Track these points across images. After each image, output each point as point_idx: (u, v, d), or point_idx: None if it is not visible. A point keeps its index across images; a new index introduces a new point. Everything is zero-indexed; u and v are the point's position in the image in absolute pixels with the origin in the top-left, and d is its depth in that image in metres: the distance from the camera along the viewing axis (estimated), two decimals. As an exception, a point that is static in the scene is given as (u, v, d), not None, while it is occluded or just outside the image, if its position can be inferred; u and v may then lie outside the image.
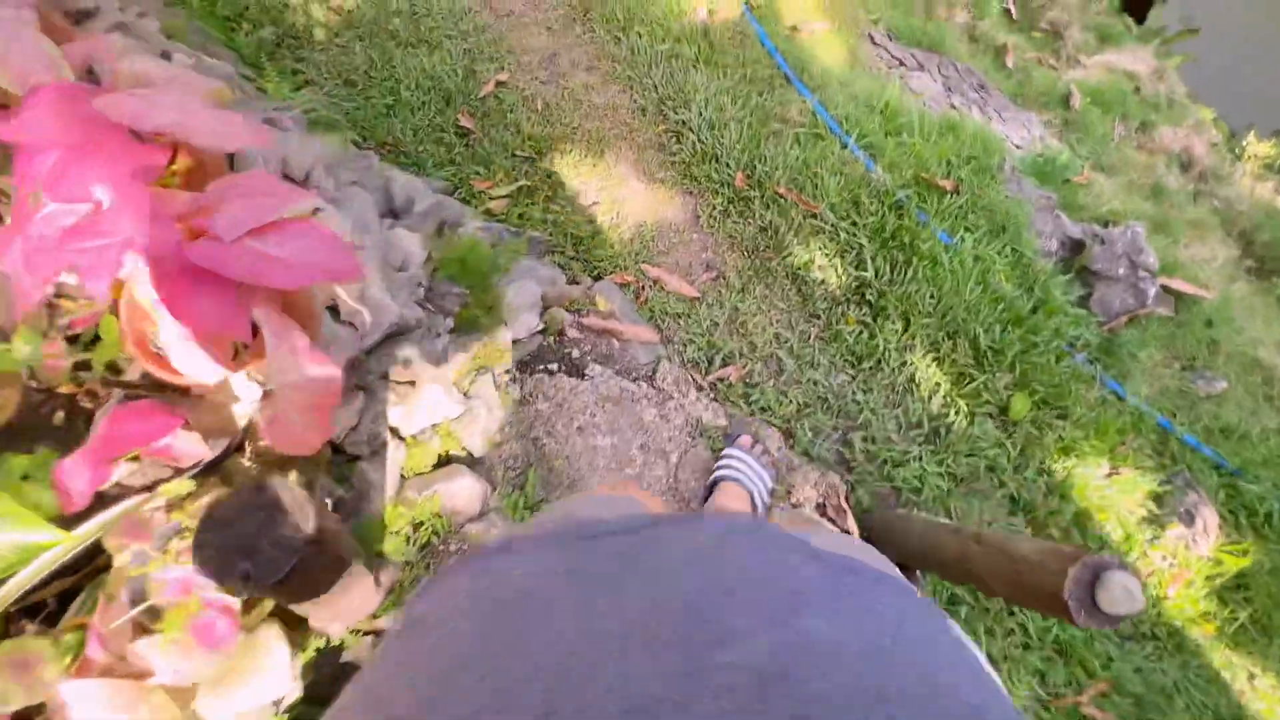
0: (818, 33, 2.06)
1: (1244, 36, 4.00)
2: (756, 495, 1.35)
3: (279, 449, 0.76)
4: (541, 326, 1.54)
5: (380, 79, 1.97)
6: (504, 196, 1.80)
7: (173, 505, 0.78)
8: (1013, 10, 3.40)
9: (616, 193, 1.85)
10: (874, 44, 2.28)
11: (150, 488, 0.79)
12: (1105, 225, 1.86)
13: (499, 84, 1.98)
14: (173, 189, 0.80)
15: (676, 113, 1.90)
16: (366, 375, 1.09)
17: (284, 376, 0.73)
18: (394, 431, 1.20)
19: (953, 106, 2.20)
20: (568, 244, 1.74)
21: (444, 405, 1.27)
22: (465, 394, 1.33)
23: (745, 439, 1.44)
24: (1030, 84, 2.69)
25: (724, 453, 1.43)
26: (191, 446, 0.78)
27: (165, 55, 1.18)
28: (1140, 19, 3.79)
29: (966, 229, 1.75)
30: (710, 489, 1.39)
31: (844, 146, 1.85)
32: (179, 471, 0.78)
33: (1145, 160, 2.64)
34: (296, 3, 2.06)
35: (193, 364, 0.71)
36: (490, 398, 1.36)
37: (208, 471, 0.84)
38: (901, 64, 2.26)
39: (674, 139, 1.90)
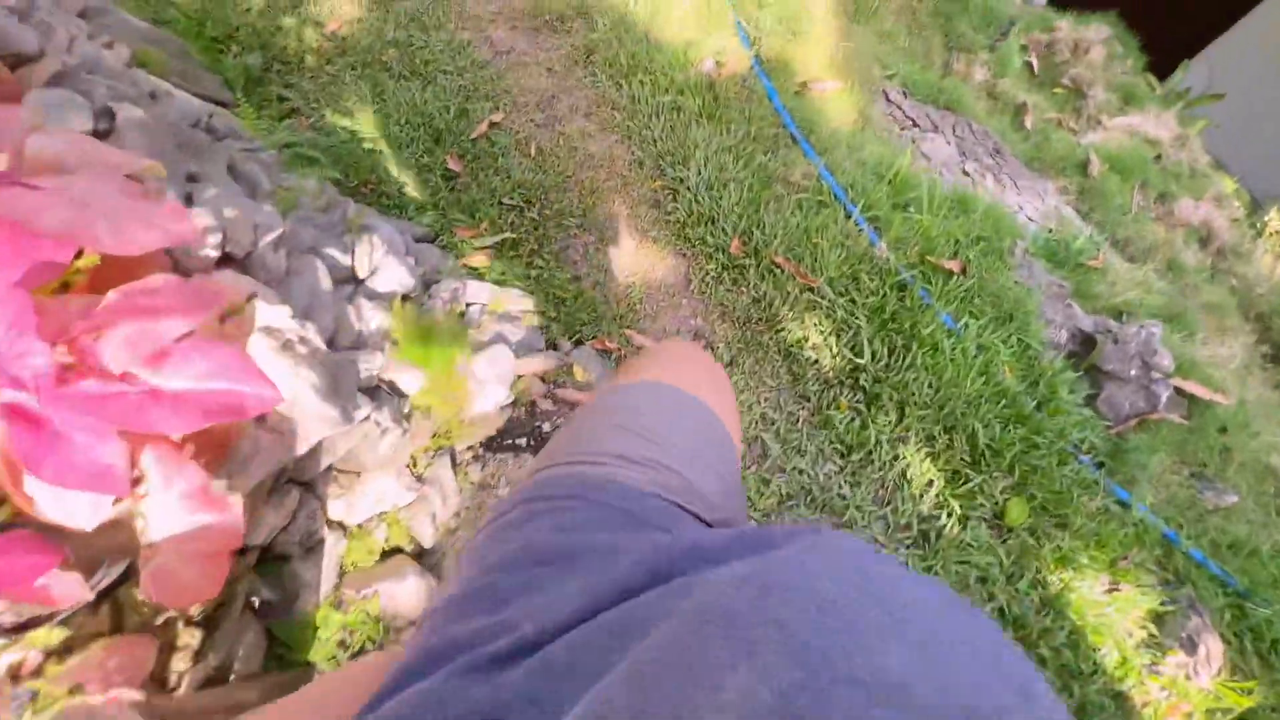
0: (829, 92, 1.97)
1: (1271, 101, 3.91)
2: None
3: (163, 604, 0.67)
4: (511, 399, 1.45)
5: (369, 112, 1.89)
6: (488, 247, 1.71)
7: (48, 653, 0.69)
8: (1034, 65, 3.31)
9: (606, 250, 1.76)
10: (888, 102, 2.19)
11: (20, 628, 0.69)
12: (1119, 316, 1.77)
13: (493, 125, 1.90)
14: (70, 294, 0.71)
15: (674, 169, 1.81)
16: (303, 470, 1.00)
17: (168, 526, 0.63)
18: (335, 524, 1.11)
19: (965, 173, 2.10)
20: (549, 304, 1.65)
21: (394, 493, 1.18)
22: (420, 477, 1.24)
23: None
24: (1048, 147, 2.60)
25: None
26: (70, 588, 0.69)
27: (111, 107, 1.09)
28: (1164, 78, 3.70)
29: (972, 314, 1.65)
30: None
31: (848, 216, 1.75)
32: (51, 617, 0.69)
33: (1163, 234, 2.54)
34: (289, 26, 1.99)
35: (64, 510, 0.62)
36: (447, 482, 1.27)
37: (97, 604, 0.75)
38: (915, 124, 2.17)
39: (670, 196, 1.81)
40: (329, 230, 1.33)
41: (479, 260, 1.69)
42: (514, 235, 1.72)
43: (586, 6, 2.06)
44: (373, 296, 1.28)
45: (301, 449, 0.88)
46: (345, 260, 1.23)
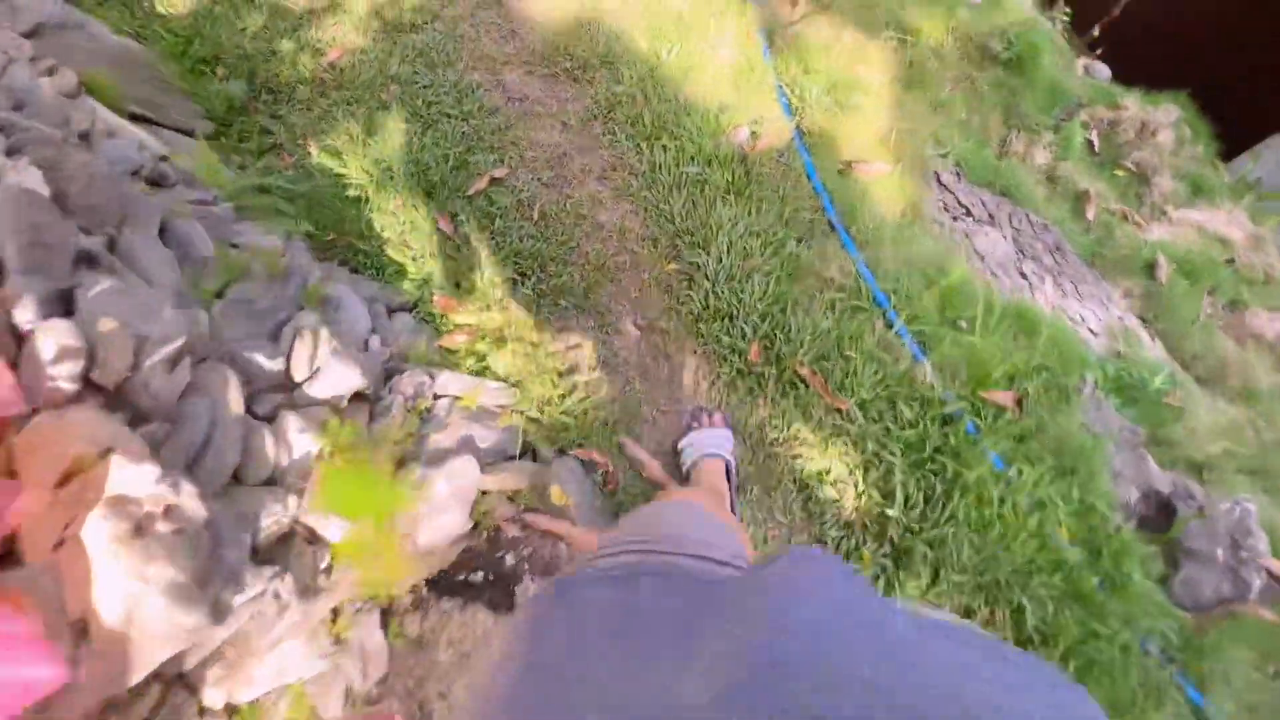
0: (875, 175, 1.74)
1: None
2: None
3: None
4: (470, 525, 1.21)
5: (357, 155, 1.69)
6: (469, 326, 1.49)
7: None
8: (1095, 143, 3.06)
9: (605, 338, 1.53)
10: (940, 186, 1.95)
11: None
12: (1200, 472, 1.50)
13: (494, 181, 1.69)
14: None
15: (693, 251, 1.58)
16: (163, 666, 0.77)
17: None
18: (214, 712, 0.87)
19: (1023, 275, 1.86)
20: (532, 401, 1.42)
21: (299, 664, 0.94)
22: (338, 639, 1.01)
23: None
24: (1111, 243, 2.34)
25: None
26: None
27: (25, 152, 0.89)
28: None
29: (1027, 461, 1.39)
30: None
31: (889, 326, 1.51)
32: None
33: (1234, 354, 2.27)
34: (285, 51, 1.80)
35: None
36: (372, 645, 1.03)
37: None
38: (969, 213, 1.93)
39: (685, 283, 1.58)
40: (271, 311, 1.11)
41: (457, 340, 1.46)
42: (501, 316, 1.50)
43: (613, 55, 1.86)
44: (309, 405, 1.06)
45: (136, 677, 0.65)
46: (276, 365, 1.01)
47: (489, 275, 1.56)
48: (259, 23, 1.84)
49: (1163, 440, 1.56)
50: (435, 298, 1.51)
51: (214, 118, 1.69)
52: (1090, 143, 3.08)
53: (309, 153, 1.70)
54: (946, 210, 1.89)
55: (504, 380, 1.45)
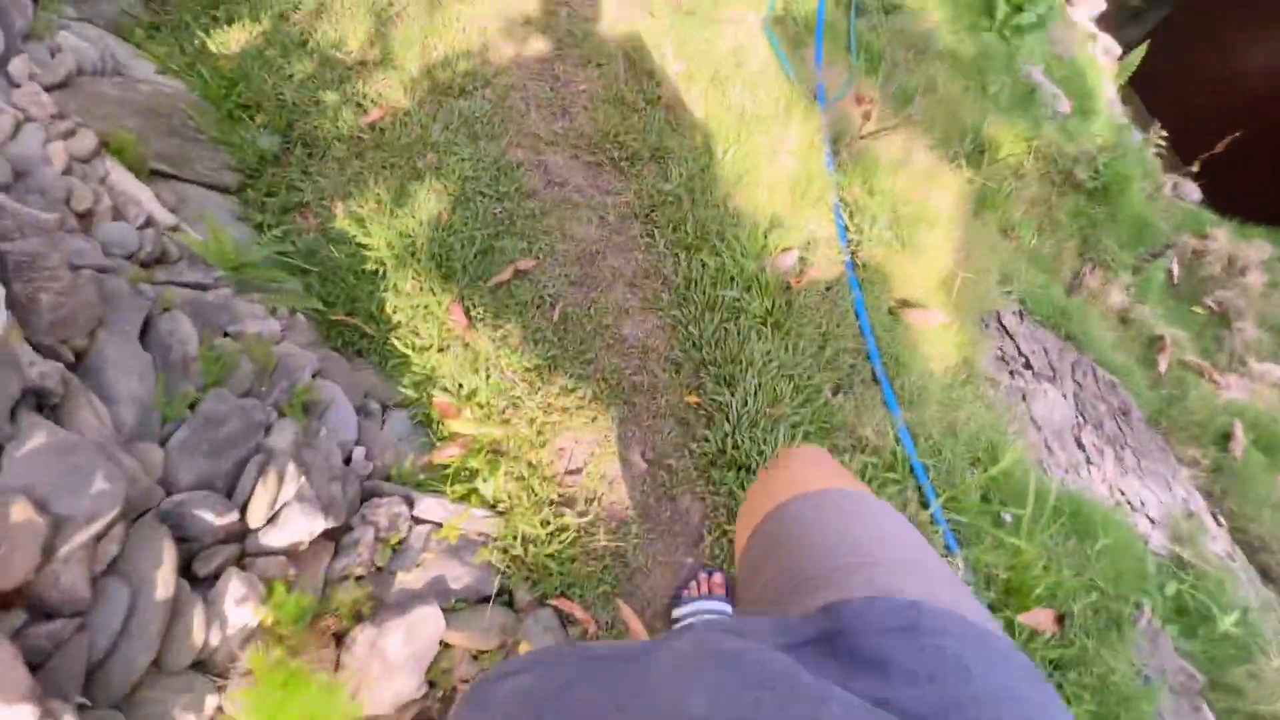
0: (931, 324, 1.58)
1: None
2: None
3: None
4: (423, 690, 1.10)
5: (382, 224, 1.60)
6: (465, 436, 1.38)
7: None
8: (1175, 272, 2.84)
9: (607, 468, 1.41)
10: (1000, 329, 1.78)
11: None
12: (1265, 733, 1.30)
13: (519, 273, 1.59)
14: None
15: (718, 388, 1.45)
16: None
17: None
18: None
19: (1081, 446, 1.67)
20: (517, 539, 1.30)
21: None
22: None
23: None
24: (1183, 404, 2.13)
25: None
26: None
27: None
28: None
29: (1063, 695, 1.21)
30: None
31: (924, 506, 1.35)
32: None
33: (1312, 549, 2.02)
34: (328, 103, 1.74)
35: None
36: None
37: None
38: (1028, 365, 1.76)
39: (704, 420, 1.44)
40: (240, 438, 1.01)
41: (450, 453, 1.35)
42: (501, 431, 1.39)
43: (664, 148, 1.75)
44: (262, 554, 0.95)
45: None
46: (227, 519, 0.90)
47: (495, 381, 1.45)
48: (307, 70, 1.78)
49: (1223, 685, 1.35)
50: (435, 399, 1.41)
51: (245, 167, 1.63)
52: (1170, 272, 2.86)
53: (334, 215, 1.62)
54: (1005, 362, 1.72)
55: (492, 506, 1.34)
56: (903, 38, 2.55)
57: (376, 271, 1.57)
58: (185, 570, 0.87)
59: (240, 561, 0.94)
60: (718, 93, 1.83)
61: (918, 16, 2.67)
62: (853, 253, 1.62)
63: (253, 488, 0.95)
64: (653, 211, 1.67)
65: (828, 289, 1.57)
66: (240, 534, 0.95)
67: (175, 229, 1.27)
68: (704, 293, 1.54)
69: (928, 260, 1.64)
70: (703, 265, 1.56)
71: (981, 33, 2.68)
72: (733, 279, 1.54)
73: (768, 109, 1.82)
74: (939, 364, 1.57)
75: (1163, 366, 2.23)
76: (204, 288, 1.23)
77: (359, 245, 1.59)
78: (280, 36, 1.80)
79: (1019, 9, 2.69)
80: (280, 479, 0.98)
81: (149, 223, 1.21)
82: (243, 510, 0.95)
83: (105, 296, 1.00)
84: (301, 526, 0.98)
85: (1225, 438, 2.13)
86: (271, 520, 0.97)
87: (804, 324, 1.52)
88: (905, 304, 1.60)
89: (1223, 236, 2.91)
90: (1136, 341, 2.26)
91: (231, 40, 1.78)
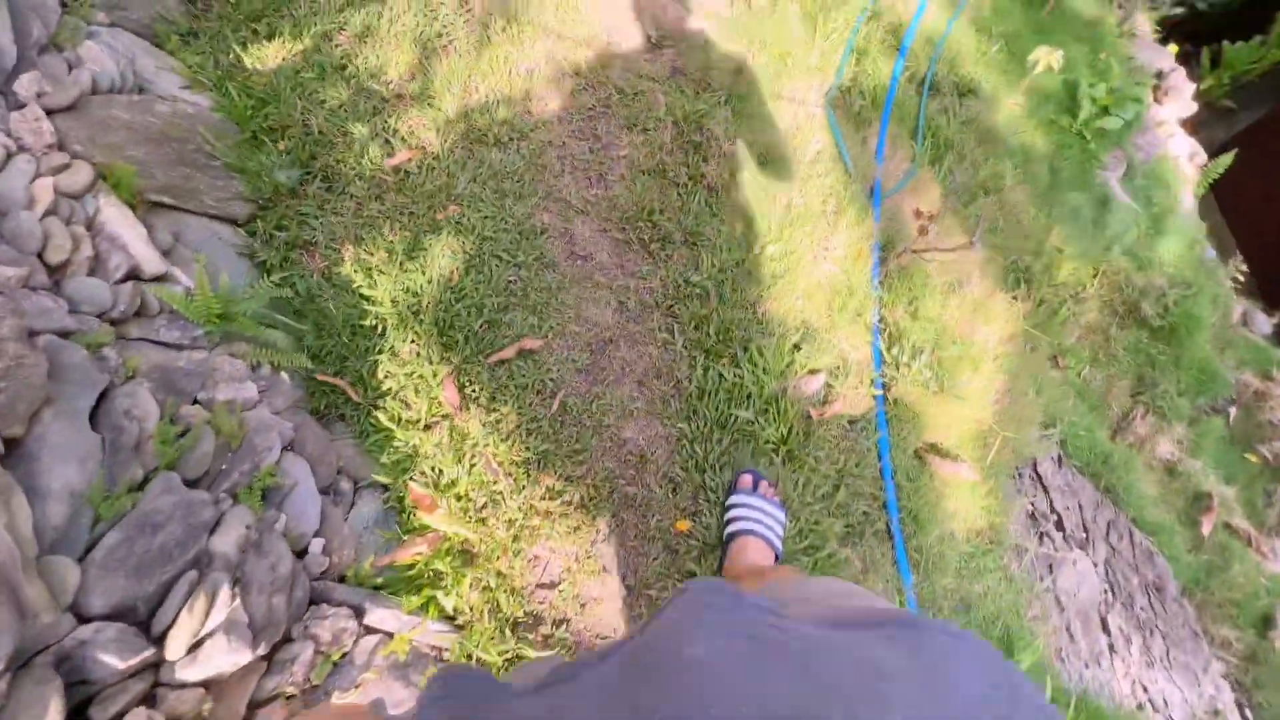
0: (959, 478, 1.44)
1: None
2: (774, 540, 1.25)
3: None
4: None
5: (390, 277, 1.51)
6: (435, 532, 1.28)
7: None
8: (1232, 414, 2.63)
9: (582, 587, 1.30)
10: (1035, 480, 1.63)
11: None
12: None
13: (523, 352, 1.48)
14: None
15: (713, 516, 1.33)
16: None
17: None
18: None
19: (1105, 628, 1.51)
20: (471, 660, 1.19)
21: None
22: None
23: (746, 479, 1.31)
24: (1224, 576, 1.94)
25: (730, 503, 1.30)
26: None
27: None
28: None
29: None
30: (725, 546, 1.28)
31: (919, 693, 1.21)
32: None
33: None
34: (357, 136, 1.65)
35: None
36: None
37: None
38: (1060, 525, 1.60)
39: (694, 554, 1.32)
40: (176, 549, 0.92)
41: (415, 550, 1.26)
42: (476, 533, 1.29)
43: (700, 234, 1.63)
44: (175, 688, 0.86)
45: None
46: (134, 660, 0.81)
47: (478, 472, 1.35)
48: (341, 97, 1.70)
49: None
50: (411, 488, 1.31)
51: (258, 197, 1.55)
52: (1227, 413, 2.65)
53: (342, 258, 1.54)
54: (1035, 521, 1.57)
55: (451, 619, 1.24)
56: (974, 127, 2.39)
57: (375, 328, 1.48)
58: (81, 712, 0.78)
59: (150, 696, 0.84)
60: (766, 179, 1.70)
61: (994, 103, 2.51)
62: (885, 385, 1.49)
63: (176, 615, 0.86)
64: (676, 304, 1.55)
65: (850, 425, 1.44)
66: (154, 664, 0.85)
67: (162, 277, 1.19)
68: (716, 408, 1.42)
69: (966, 408, 1.50)
70: (720, 377, 1.44)
71: (1060, 131, 2.51)
72: (749, 397, 1.42)
73: (816, 205, 1.69)
74: (962, 525, 1.42)
75: (1206, 529, 2.04)
76: (180, 347, 1.15)
77: (362, 297, 1.50)
78: (319, 58, 1.72)
79: (1105, 111, 2.51)
80: (210, 603, 0.89)
81: (131, 273, 1.13)
82: (161, 638, 0.85)
83: (57, 370, 0.92)
84: (224, 660, 0.88)
85: (1265, 621, 1.94)
86: (193, 650, 0.88)
87: (820, 458, 1.39)
88: (934, 449, 1.46)
89: (1290, 381, 2.68)
90: (1181, 496, 2.08)
91: (269, 56, 1.70)
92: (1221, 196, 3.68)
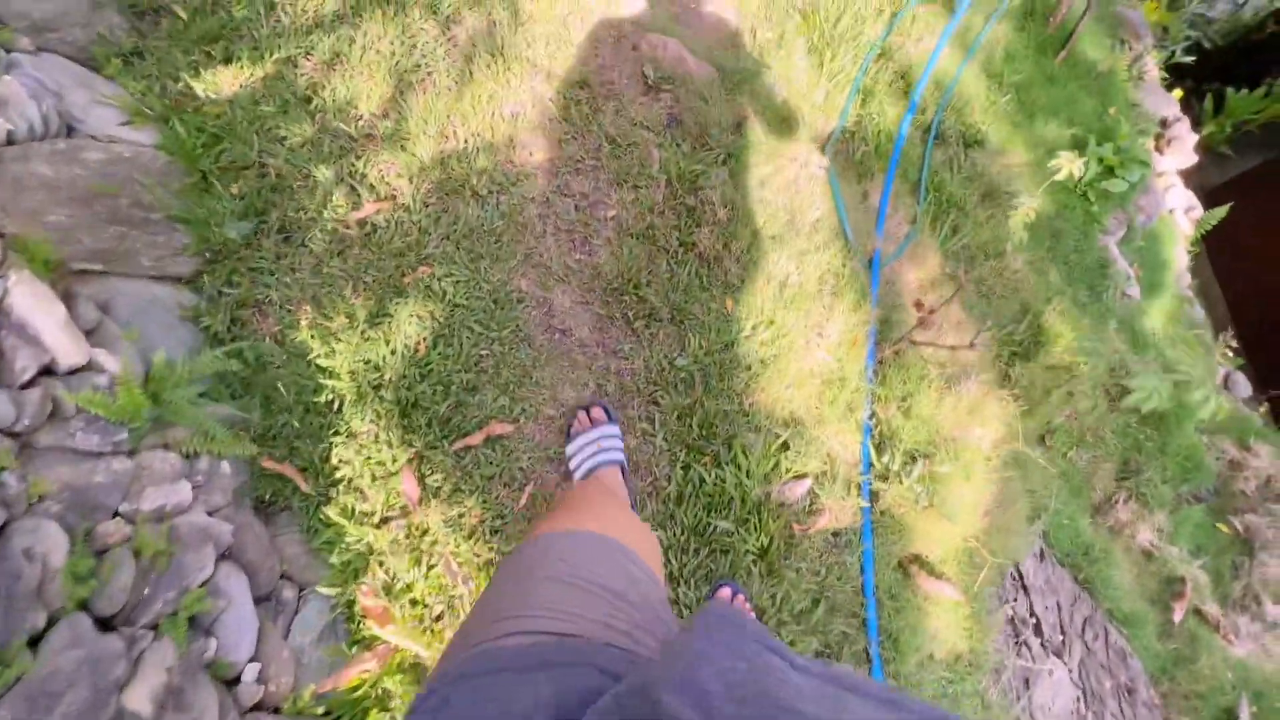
0: (942, 598, 1.38)
1: None
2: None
3: None
4: None
5: (350, 346, 1.39)
6: (386, 645, 1.19)
7: None
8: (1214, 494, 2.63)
9: (544, 708, 1.22)
10: (1017, 582, 1.58)
11: None
12: None
13: (491, 438, 1.38)
14: None
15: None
16: None
17: None
18: None
19: (1078, 737, 1.49)
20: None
21: None
22: None
23: (724, 591, 1.25)
24: (1190, 669, 1.94)
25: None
26: None
27: None
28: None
29: None
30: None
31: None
32: None
33: None
34: (321, 181, 1.51)
35: None
36: None
37: None
38: (1039, 630, 1.56)
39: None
40: (95, 704, 0.82)
41: (362, 668, 1.16)
42: (429, 650, 1.20)
43: (688, 311, 1.52)
44: None
45: None
46: None
47: (436, 575, 1.25)
48: (305, 134, 1.54)
49: None
50: (361, 598, 1.21)
51: (205, 249, 1.40)
52: (1207, 503, 2.64)
53: (297, 322, 1.41)
54: (1014, 628, 1.52)
55: (396, 746, 1.15)
56: (980, 183, 2.31)
57: (331, 404, 1.37)
58: None
59: None
60: (760, 252, 1.60)
61: (999, 156, 2.42)
62: (873, 494, 1.41)
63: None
64: (659, 391, 1.45)
65: (833, 537, 1.37)
66: None
67: (85, 367, 1.06)
68: (695, 515, 1.33)
69: (955, 526, 1.43)
70: (701, 480, 1.35)
71: (1064, 191, 2.43)
72: (731, 503, 1.34)
73: (813, 284, 1.60)
74: (941, 648, 1.37)
75: (1178, 615, 2.04)
76: (100, 454, 1.02)
77: (318, 368, 1.38)
78: (282, 87, 1.56)
79: (1111, 172, 2.44)
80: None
81: (45, 369, 1.00)
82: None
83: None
84: None
85: (1228, 715, 1.95)
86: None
87: (800, 571, 1.32)
88: (919, 562, 1.40)
89: (1265, 454, 2.69)
90: (1155, 579, 2.07)
91: (224, 83, 1.53)
92: (1211, 245, 3.67)
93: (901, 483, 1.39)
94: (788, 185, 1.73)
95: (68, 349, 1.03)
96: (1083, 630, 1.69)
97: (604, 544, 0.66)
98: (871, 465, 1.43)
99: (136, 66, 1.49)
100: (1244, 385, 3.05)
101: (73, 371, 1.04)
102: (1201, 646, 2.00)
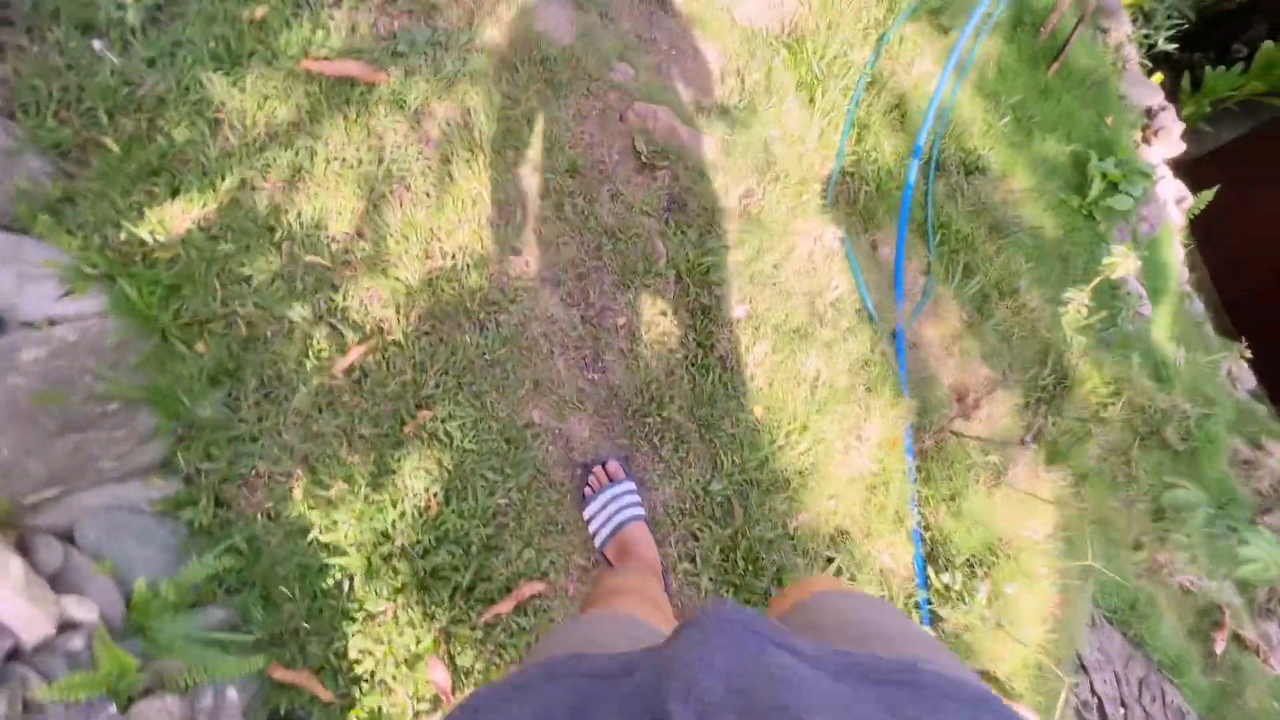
0: None
1: None
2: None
3: None
4: None
5: (354, 512, 1.25)
6: None
7: None
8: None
9: None
10: (1079, 666, 1.52)
11: None
12: None
13: (522, 603, 1.26)
14: None
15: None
16: None
17: None
18: None
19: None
20: None
21: None
22: None
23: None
24: (1236, 701, 1.93)
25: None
26: None
27: None
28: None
29: None
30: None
31: None
32: None
33: None
34: (296, 323, 1.35)
35: None
36: None
37: None
38: (1101, 711, 1.52)
39: None
40: None
41: None
42: None
43: (716, 425, 1.41)
44: None
45: None
46: None
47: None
48: (272, 269, 1.37)
49: None
50: (400, 817, 1.09)
51: (176, 426, 1.24)
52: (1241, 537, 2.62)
53: (290, 493, 1.26)
54: (1079, 717, 1.47)
55: None
56: (986, 215, 2.22)
57: (340, 586, 1.23)
58: None
59: None
60: (786, 351, 1.49)
61: (1001, 182, 2.33)
62: (932, 612, 1.33)
63: None
64: (697, 523, 1.34)
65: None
66: None
67: (61, 628, 0.91)
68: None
69: (1021, 642, 1.36)
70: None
71: (1069, 212, 2.36)
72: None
73: (844, 380, 1.49)
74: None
75: (1219, 647, 2.02)
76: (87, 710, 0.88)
77: (320, 545, 1.24)
78: (240, 216, 1.38)
79: (1115, 187, 2.36)
80: None
81: (12, 653, 0.85)
82: None
83: None
84: None
85: (1276, 745, 1.95)
86: None
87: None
88: (988, 679, 1.33)
89: (1279, 452, 2.69)
90: (1193, 611, 2.05)
91: (173, 222, 1.35)
92: (1200, 229, 3.65)
93: (965, 602, 1.32)
94: (804, 265, 1.61)
95: (32, 620, 0.88)
96: (1139, 693, 1.66)
97: (636, 625, 0.67)
98: (929, 582, 1.34)
99: (69, 216, 1.30)
100: (1248, 378, 3.05)
101: (40, 646, 0.89)
102: (1245, 677, 1.99)
